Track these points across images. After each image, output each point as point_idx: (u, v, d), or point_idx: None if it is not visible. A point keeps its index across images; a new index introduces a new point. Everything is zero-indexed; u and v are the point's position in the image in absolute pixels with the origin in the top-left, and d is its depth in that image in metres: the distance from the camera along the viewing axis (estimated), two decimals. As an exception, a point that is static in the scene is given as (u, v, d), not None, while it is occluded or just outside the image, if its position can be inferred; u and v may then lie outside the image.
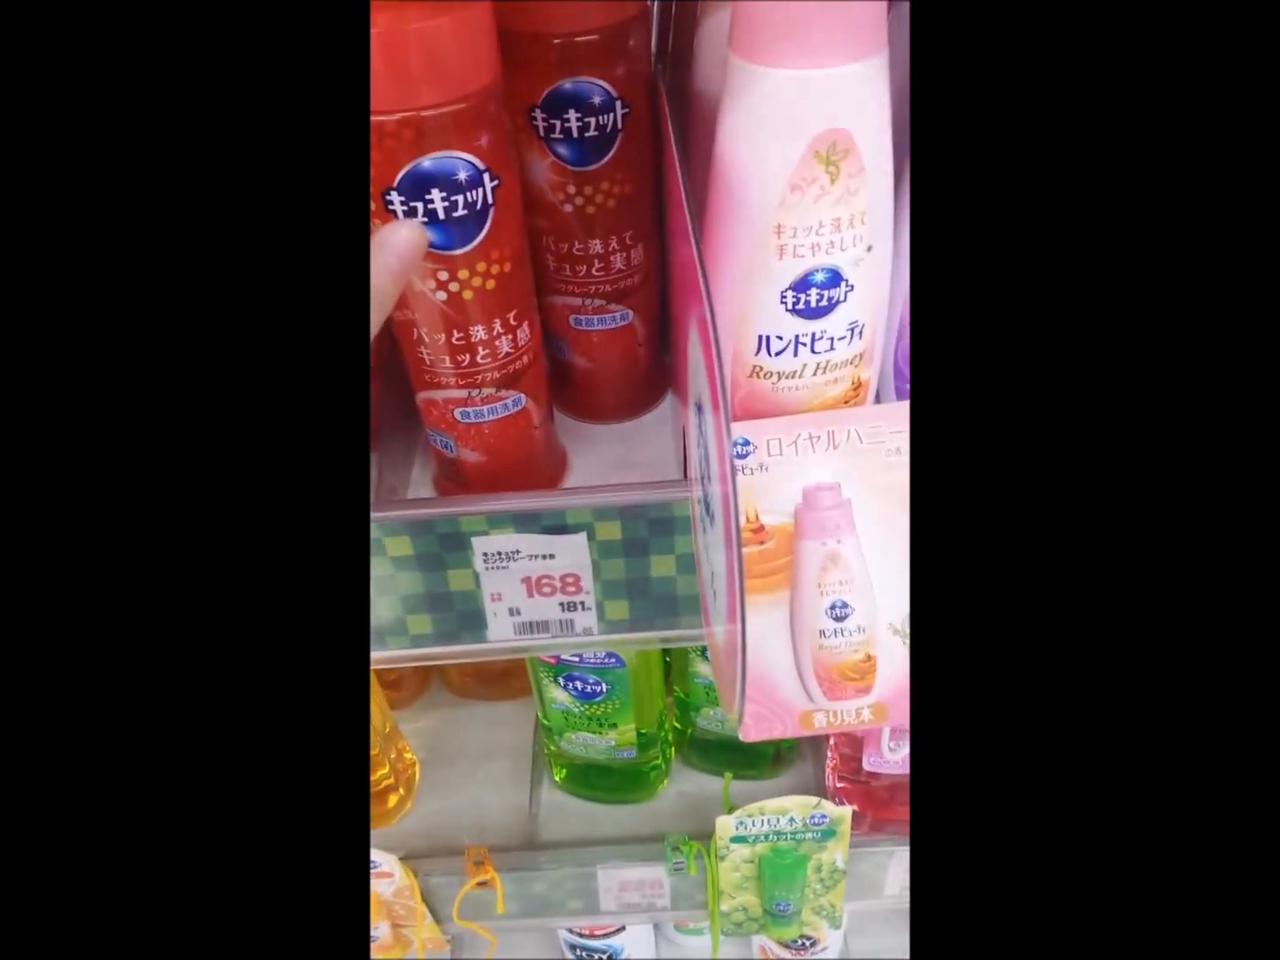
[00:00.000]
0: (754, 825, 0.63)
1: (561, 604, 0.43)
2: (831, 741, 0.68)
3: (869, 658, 0.37)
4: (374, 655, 0.44)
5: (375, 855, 0.66)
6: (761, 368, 0.37)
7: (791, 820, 0.62)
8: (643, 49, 0.41)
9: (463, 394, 0.41)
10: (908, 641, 0.37)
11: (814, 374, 0.37)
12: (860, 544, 0.36)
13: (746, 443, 0.37)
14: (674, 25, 0.49)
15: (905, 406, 0.37)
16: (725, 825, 0.63)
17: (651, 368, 0.52)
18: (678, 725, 0.74)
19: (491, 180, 0.34)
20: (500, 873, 0.68)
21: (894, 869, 0.71)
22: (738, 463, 0.37)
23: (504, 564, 0.41)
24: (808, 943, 0.84)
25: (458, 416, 0.42)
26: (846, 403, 0.39)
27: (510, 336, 0.39)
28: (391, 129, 0.32)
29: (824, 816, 0.62)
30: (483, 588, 0.42)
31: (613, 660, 0.62)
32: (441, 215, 0.34)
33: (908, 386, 0.44)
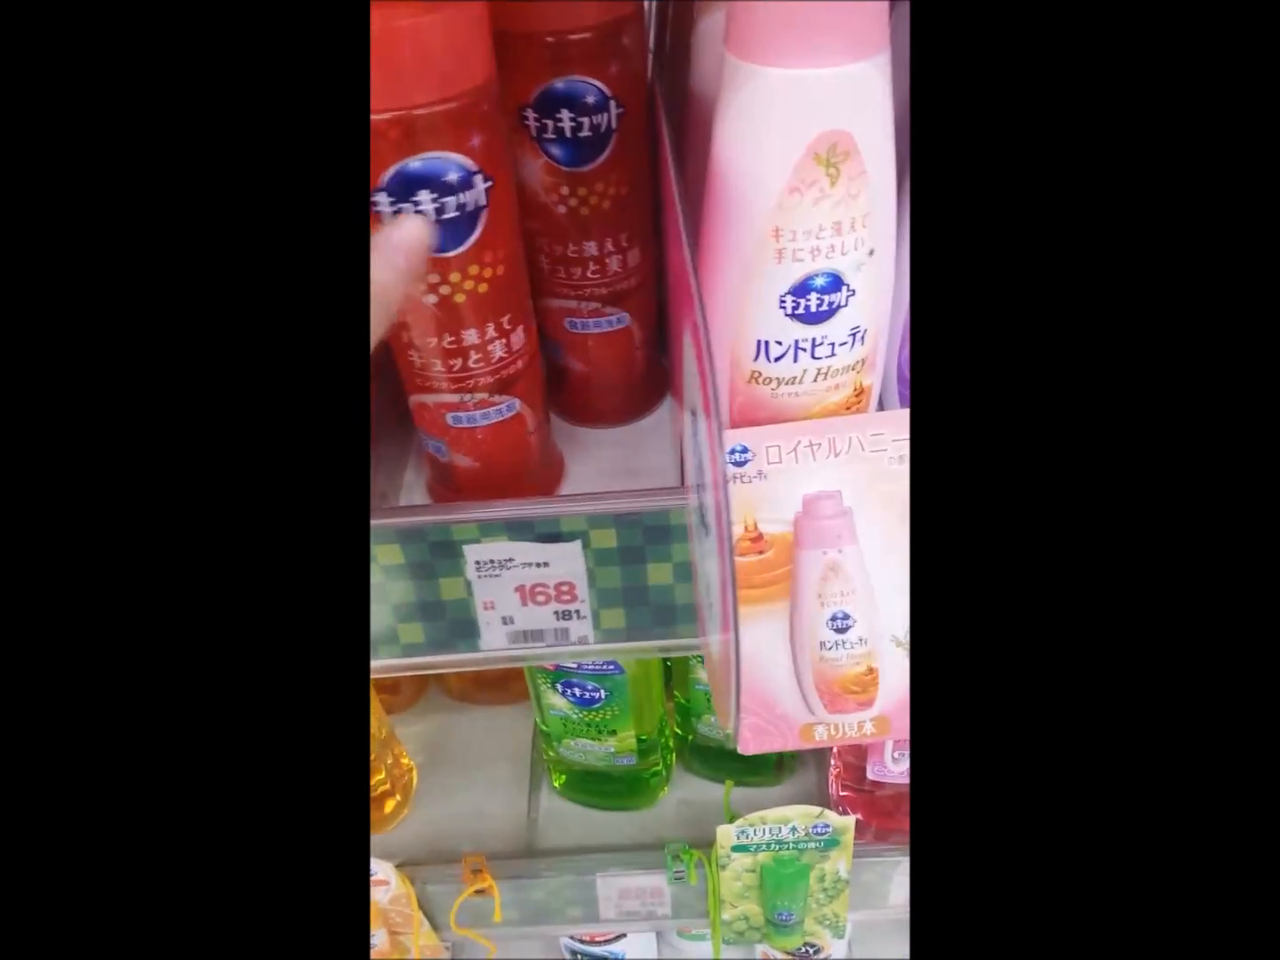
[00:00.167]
0: (756, 834, 0.62)
1: (556, 612, 0.42)
2: (835, 749, 0.67)
3: (871, 670, 0.36)
4: (366, 665, 0.44)
5: (372, 863, 0.65)
6: (760, 373, 0.36)
7: (794, 830, 0.62)
8: (638, 47, 0.41)
9: (455, 398, 0.40)
10: (910, 653, 0.36)
11: (814, 380, 0.36)
12: (862, 554, 0.35)
13: (745, 450, 0.36)
14: (670, 23, 0.48)
15: (908, 413, 0.36)
16: (726, 834, 0.62)
17: (649, 371, 0.51)
18: (679, 731, 0.74)
19: (484, 182, 0.33)
20: (498, 881, 0.68)
21: (898, 878, 0.70)
22: (736, 470, 0.36)
23: (497, 572, 0.41)
24: (812, 950, 0.83)
25: (449, 421, 0.41)
26: (848, 409, 0.38)
27: (504, 341, 0.38)
28: (379, 128, 0.31)
29: (827, 826, 0.61)
30: (475, 596, 0.41)
31: (612, 667, 0.61)
32: (431, 217, 0.33)
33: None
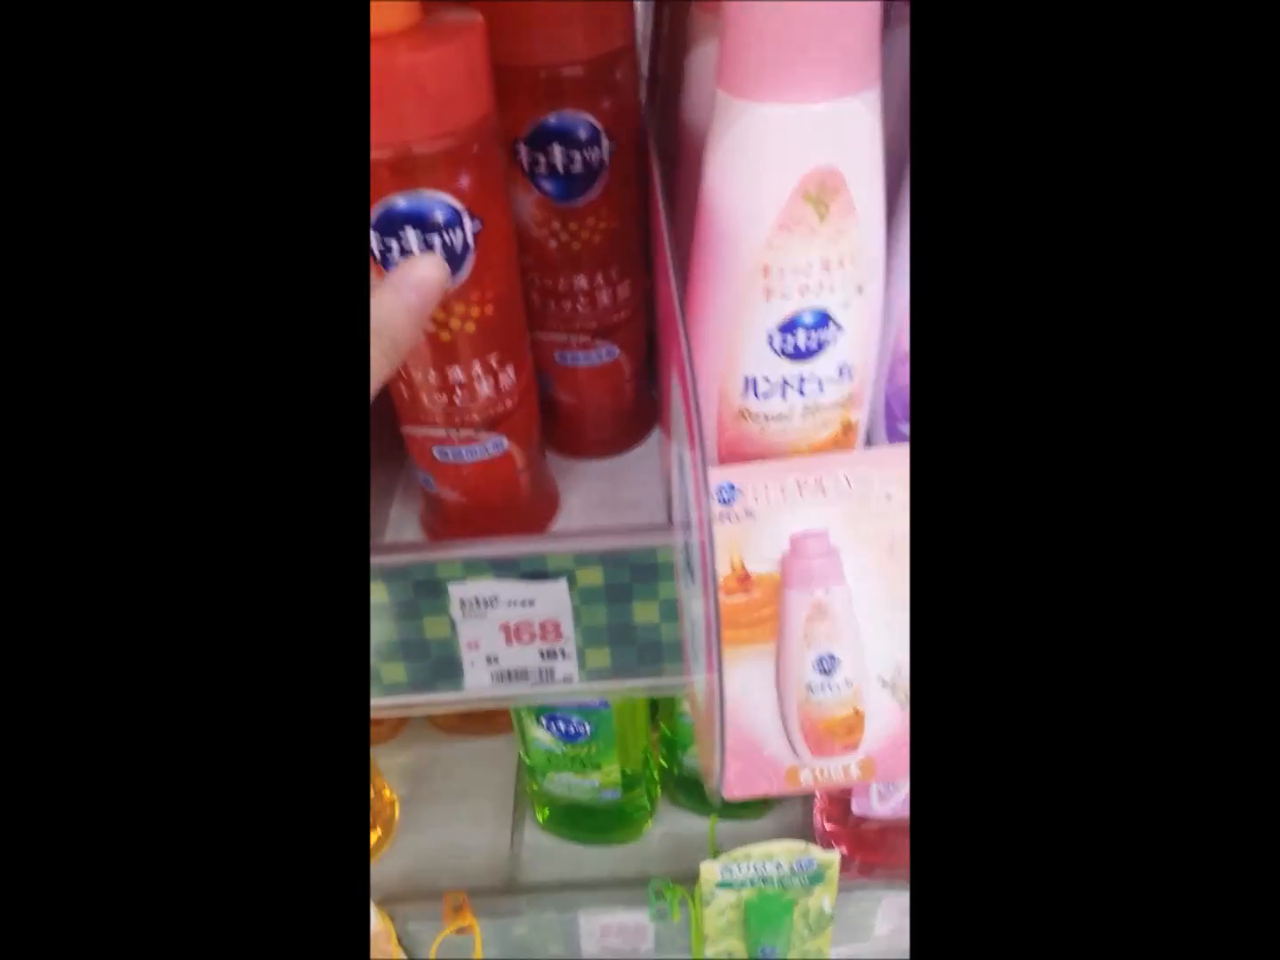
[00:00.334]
0: (740, 871, 0.61)
1: (541, 652, 0.42)
2: (820, 783, 0.66)
3: (857, 712, 0.35)
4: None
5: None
6: (749, 409, 0.36)
7: (778, 865, 0.61)
8: (630, 82, 0.40)
9: (441, 433, 0.40)
10: (897, 695, 0.36)
11: (802, 417, 0.36)
12: (849, 594, 0.35)
13: (732, 488, 0.35)
14: (663, 56, 0.48)
15: (896, 450, 0.36)
16: (710, 871, 0.61)
17: (638, 403, 0.51)
18: (664, 763, 0.73)
19: (472, 222, 0.33)
20: (480, 918, 0.66)
21: (882, 912, 0.69)
22: (723, 509, 0.35)
23: (482, 611, 0.40)
24: (795, 986, 0.82)
25: (436, 455, 0.41)
26: (836, 445, 0.38)
27: (492, 380, 0.38)
28: (366, 164, 0.31)
29: (812, 861, 0.61)
30: (459, 635, 0.41)
31: (597, 701, 0.61)
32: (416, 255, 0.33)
33: (899, 428, 0.43)
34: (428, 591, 0.39)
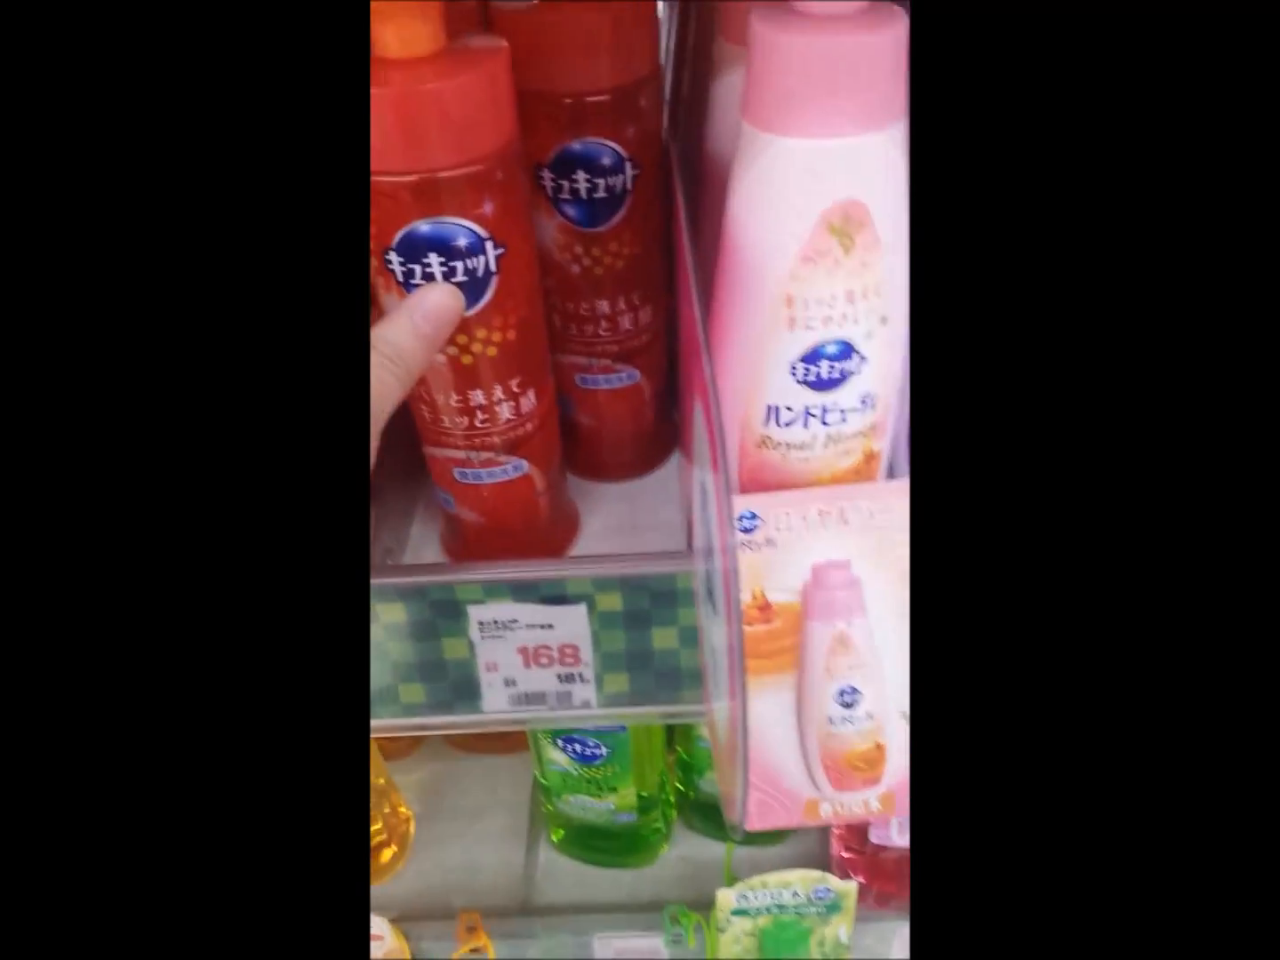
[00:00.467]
0: (756, 898, 0.61)
1: (559, 675, 0.42)
2: (838, 810, 0.66)
3: (879, 746, 0.35)
4: (364, 723, 0.43)
5: (365, 918, 0.64)
6: (770, 438, 0.36)
7: (795, 894, 0.60)
8: (654, 109, 0.41)
9: (461, 455, 0.40)
10: (919, 728, 0.35)
11: (824, 446, 0.36)
12: (871, 626, 0.35)
13: (754, 516, 0.35)
14: (686, 82, 0.48)
15: (920, 481, 0.36)
16: (726, 898, 0.61)
17: (658, 427, 0.51)
18: (680, 787, 0.72)
19: (495, 249, 0.33)
20: (493, 939, 0.66)
21: (899, 943, 0.68)
22: (745, 537, 0.35)
23: (500, 633, 0.40)
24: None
25: (456, 476, 0.41)
26: (858, 474, 0.38)
27: (512, 403, 0.38)
28: (391, 189, 0.31)
29: (829, 891, 0.60)
30: (478, 657, 0.41)
31: (614, 724, 0.60)
32: (439, 280, 0.33)
33: (922, 456, 0.42)
34: (447, 612, 0.39)
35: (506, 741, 0.79)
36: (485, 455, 0.39)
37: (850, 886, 0.60)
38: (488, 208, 0.32)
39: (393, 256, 0.33)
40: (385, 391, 0.31)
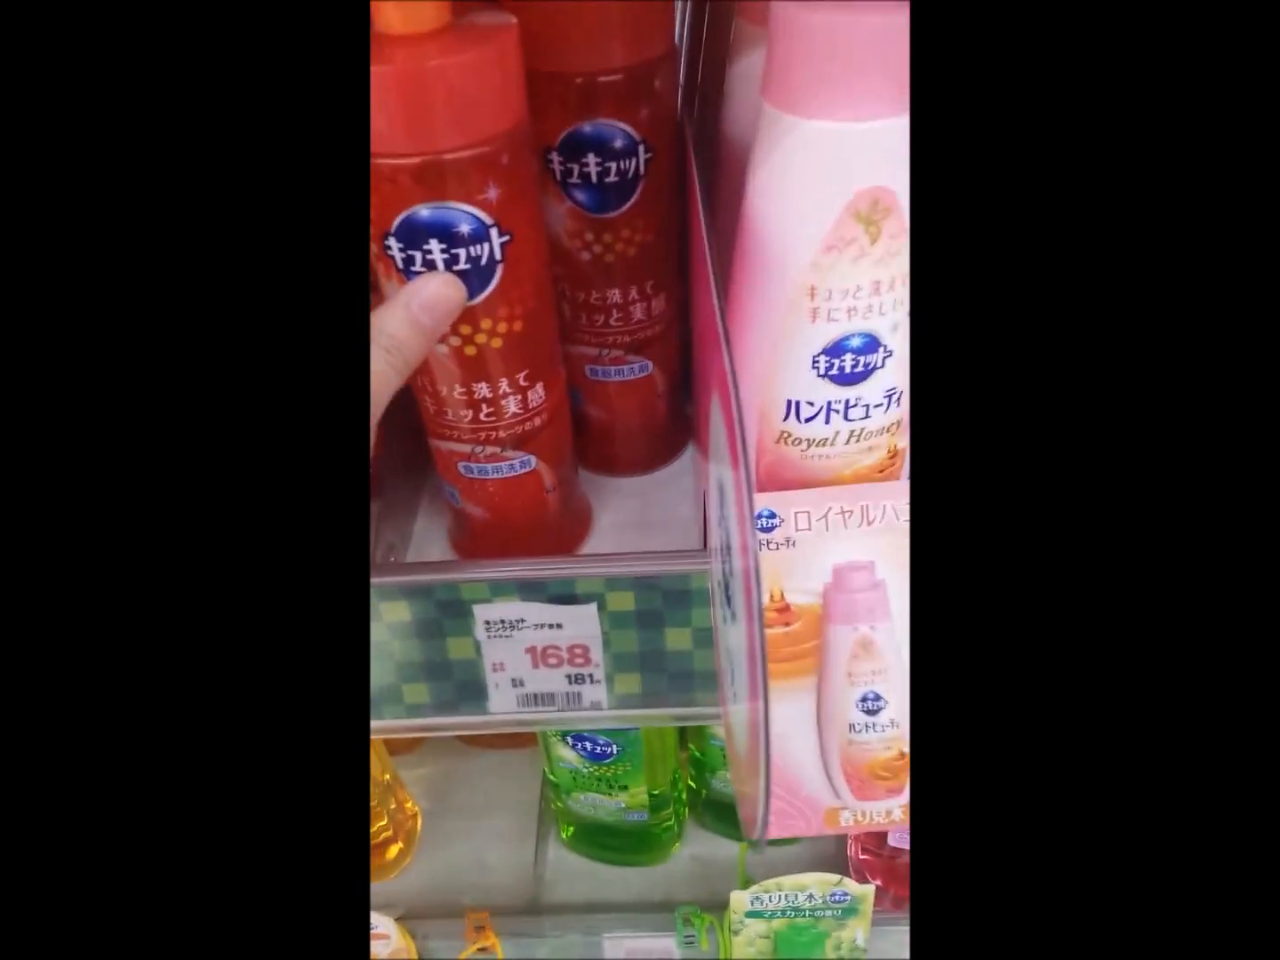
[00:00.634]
0: (770, 901, 0.59)
1: (569, 676, 0.40)
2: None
3: (902, 755, 0.33)
4: (368, 724, 0.42)
5: (372, 916, 0.63)
6: (790, 433, 0.34)
7: (810, 897, 0.59)
8: (669, 90, 0.39)
9: (466, 449, 0.38)
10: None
11: (847, 442, 0.34)
12: (895, 630, 0.33)
13: (772, 515, 0.34)
14: (704, 63, 0.46)
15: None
16: (740, 900, 0.59)
17: (671, 420, 0.49)
18: (692, 785, 0.71)
19: (501, 236, 0.32)
20: (501, 938, 0.65)
21: (916, 946, 0.67)
22: (763, 536, 0.34)
23: (507, 633, 0.39)
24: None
25: (461, 470, 0.40)
26: (881, 472, 0.36)
27: (519, 397, 0.36)
28: (391, 172, 0.30)
29: (846, 894, 0.59)
30: (484, 657, 0.39)
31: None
32: (440, 267, 0.32)
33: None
34: (452, 611, 0.38)
35: (515, 737, 0.78)
36: (491, 450, 0.38)
37: (867, 890, 0.59)
38: (492, 193, 0.31)
39: (392, 242, 0.31)
40: (381, 382, 0.30)
